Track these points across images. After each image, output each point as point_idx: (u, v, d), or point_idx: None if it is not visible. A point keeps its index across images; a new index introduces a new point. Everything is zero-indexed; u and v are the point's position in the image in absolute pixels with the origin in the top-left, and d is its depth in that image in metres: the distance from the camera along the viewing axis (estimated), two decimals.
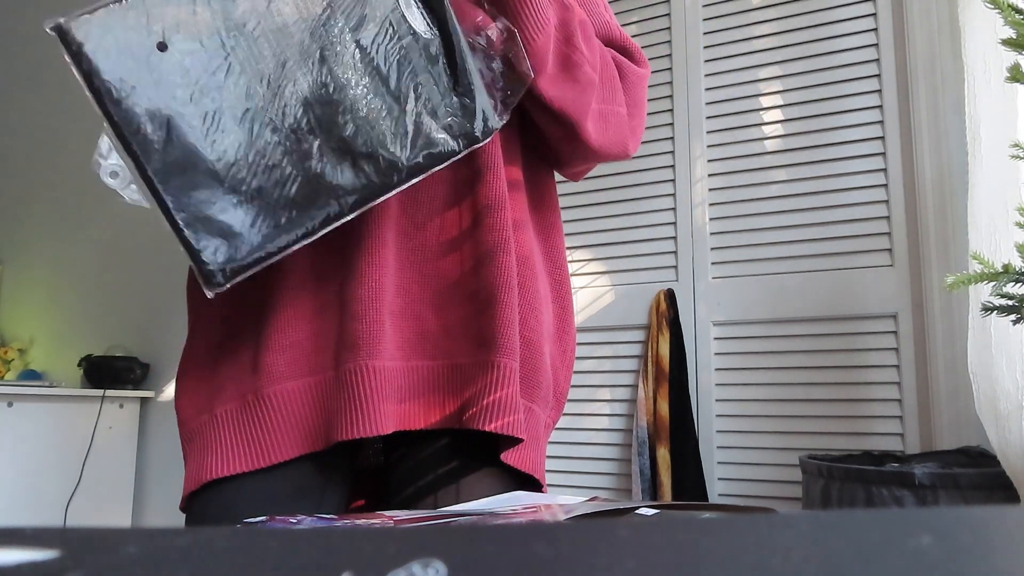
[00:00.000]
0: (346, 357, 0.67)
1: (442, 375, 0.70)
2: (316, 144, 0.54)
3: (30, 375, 2.98)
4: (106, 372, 2.71)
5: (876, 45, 1.98)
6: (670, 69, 2.23)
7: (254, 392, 0.68)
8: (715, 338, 2.08)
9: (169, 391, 2.80)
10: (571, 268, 2.31)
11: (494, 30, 0.62)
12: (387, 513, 0.49)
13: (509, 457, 0.69)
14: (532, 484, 0.72)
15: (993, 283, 0.87)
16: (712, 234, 2.12)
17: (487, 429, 0.66)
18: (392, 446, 0.75)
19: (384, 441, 0.76)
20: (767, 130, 2.09)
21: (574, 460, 2.22)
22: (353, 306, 0.68)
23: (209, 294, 0.54)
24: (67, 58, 0.48)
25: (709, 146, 2.15)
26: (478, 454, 0.70)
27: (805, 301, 1.98)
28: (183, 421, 0.71)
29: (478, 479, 0.70)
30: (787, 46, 2.09)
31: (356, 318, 0.68)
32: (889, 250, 1.91)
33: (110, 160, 0.51)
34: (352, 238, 0.69)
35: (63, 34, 0.48)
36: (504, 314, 0.69)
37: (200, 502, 0.68)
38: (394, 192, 0.58)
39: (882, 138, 1.94)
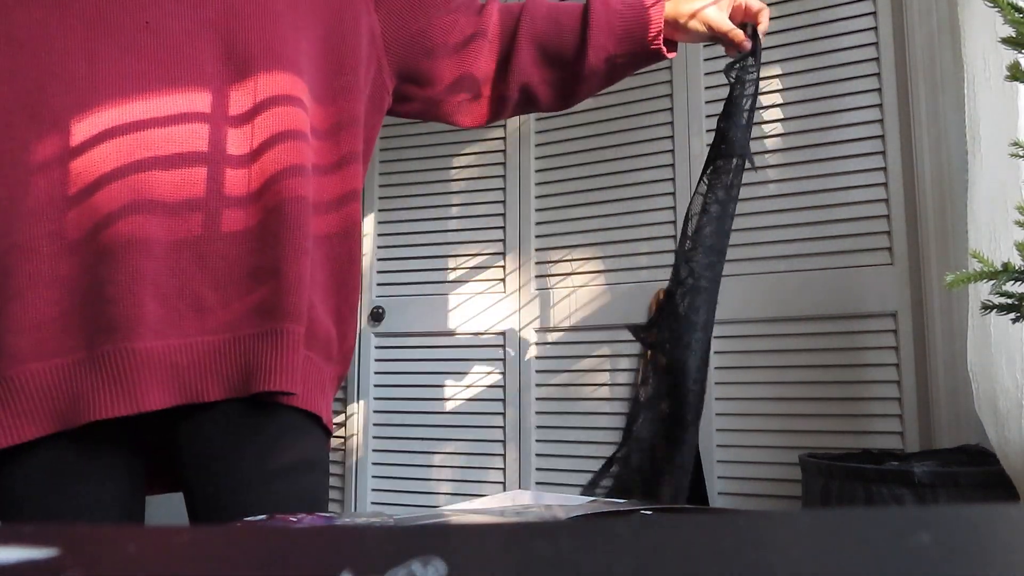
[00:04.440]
0: (101, 339, 0.70)
1: (223, 348, 0.73)
2: None
3: None
4: None
5: (876, 44, 1.98)
6: (670, 68, 2.22)
7: None
8: (715, 336, 2.08)
9: None
10: (570, 267, 2.31)
11: None
12: (387, 512, 0.49)
13: (295, 400, 0.75)
14: (319, 423, 0.79)
15: (993, 281, 0.87)
16: None
17: (270, 389, 0.71)
18: (178, 422, 0.76)
19: (168, 420, 0.76)
20: (767, 129, 2.08)
21: (574, 459, 2.22)
22: (108, 289, 0.70)
23: None
24: None
25: (709, 145, 2.15)
26: (267, 408, 0.75)
27: (804, 300, 1.98)
28: None
29: (274, 427, 0.76)
30: (787, 45, 2.09)
31: (112, 301, 0.70)
32: (889, 249, 1.91)
33: None
34: (106, 222, 0.71)
35: None
36: (289, 284, 0.74)
37: None
38: None
39: (882, 137, 1.94)
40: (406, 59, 0.93)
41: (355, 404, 2.52)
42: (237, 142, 0.77)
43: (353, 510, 2.47)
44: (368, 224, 2.60)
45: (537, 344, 2.32)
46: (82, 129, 0.73)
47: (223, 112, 0.77)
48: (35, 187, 0.72)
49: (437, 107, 1.00)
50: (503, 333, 2.37)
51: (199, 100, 0.76)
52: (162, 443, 0.80)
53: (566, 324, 2.28)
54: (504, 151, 2.44)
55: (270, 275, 0.74)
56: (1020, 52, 0.91)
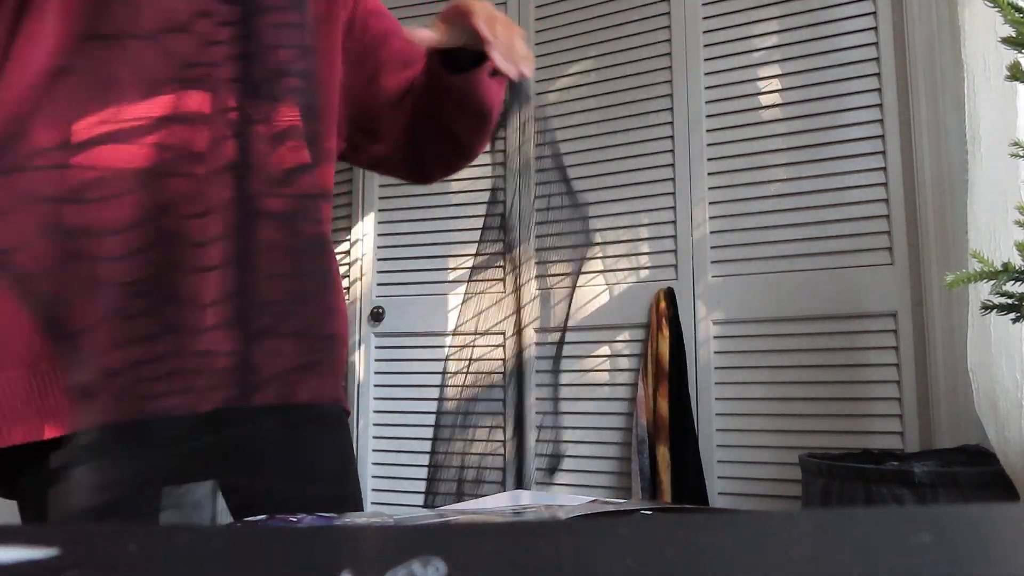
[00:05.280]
0: (168, 339, 0.72)
1: (271, 359, 0.78)
2: None
3: None
4: None
5: (876, 44, 1.98)
6: (670, 68, 2.22)
7: (49, 360, 0.69)
8: (715, 336, 2.08)
9: None
10: (569, 267, 2.31)
11: None
12: (387, 512, 0.49)
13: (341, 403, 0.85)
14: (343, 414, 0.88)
15: (993, 281, 0.87)
16: (712, 233, 2.12)
17: (322, 402, 0.80)
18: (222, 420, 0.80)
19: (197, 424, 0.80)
20: (767, 129, 2.09)
21: (574, 459, 2.22)
22: (178, 291, 0.73)
23: None
24: None
25: (709, 145, 2.15)
26: (302, 411, 0.81)
27: (805, 300, 1.98)
28: None
29: (309, 428, 0.82)
30: (787, 45, 2.09)
31: (182, 304, 0.73)
32: (889, 249, 1.91)
33: None
34: (175, 224, 0.74)
35: None
36: (335, 309, 0.82)
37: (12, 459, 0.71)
38: None
39: (882, 137, 1.94)
40: (360, 111, 0.96)
41: (355, 404, 2.52)
42: (274, 165, 0.81)
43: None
44: (368, 224, 2.60)
45: (537, 344, 2.32)
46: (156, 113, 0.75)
47: (268, 134, 0.81)
48: (108, 181, 0.74)
49: (386, 162, 1.03)
50: (503, 333, 2.37)
51: (248, 117, 0.80)
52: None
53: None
54: (504, 151, 2.44)
55: (314, 299, 0.81)
56: (1020, 52, 0.91)
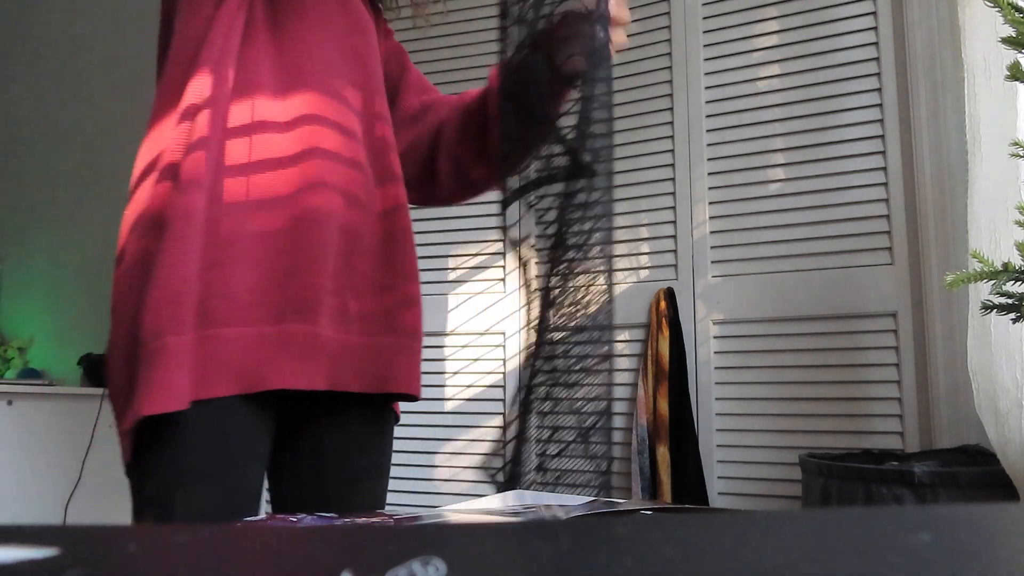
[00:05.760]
0: (292, 318, 0.78)
1: (363, 349, 0.85)
2: None
3: (30, 373, 2.98)
4: (106, 371, 2.70)
5: (876, 44, 1.98)
6: (670, 68, 2.22)
7: (196, 330, 0.76)
8: (715, 336, 2.08)
9: None
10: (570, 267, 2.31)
11: None
12: (386, 511, 0.49)
13: (397, 407, 0.95)
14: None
15: (993, 281, 0.87)
16: (712, 232, 2.12)
17: (407, 392, 0.88)
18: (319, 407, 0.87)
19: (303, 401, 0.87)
20: (767, 129, 2.08)
21: (574, 459, 2.22)
22: (305, 277, 0.79)
23: None
24: None
25: (709, 145, 2.15)
26: (385, 409, 0.92)
27: (805, 300, 1.98)
28: (143, 341, 0.75)
29: (389, 427, 0.94)
30: (787, 45, 2.08)
31: (309, 287, 0.79)
32: (889, 249, 1.91)
33: None
34: (306, 216, 0.81)
35: None
36: (416, 306, 0.91)
37: (148, 425, 0.75)
38: None
39: (882, 136, 1.94)
40: None
41: None
42: (368, 162, 0.89)
43: None
44: None
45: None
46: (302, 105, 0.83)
47: (369, 134, 0.90)
48: (259, 173, 0.80)
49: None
50: (503, 333, 2.37)
51: (356, 118, 0.88)
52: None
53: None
54: None
55: (402, 297, 0.89)
56: (1020, 52, 0.91)
